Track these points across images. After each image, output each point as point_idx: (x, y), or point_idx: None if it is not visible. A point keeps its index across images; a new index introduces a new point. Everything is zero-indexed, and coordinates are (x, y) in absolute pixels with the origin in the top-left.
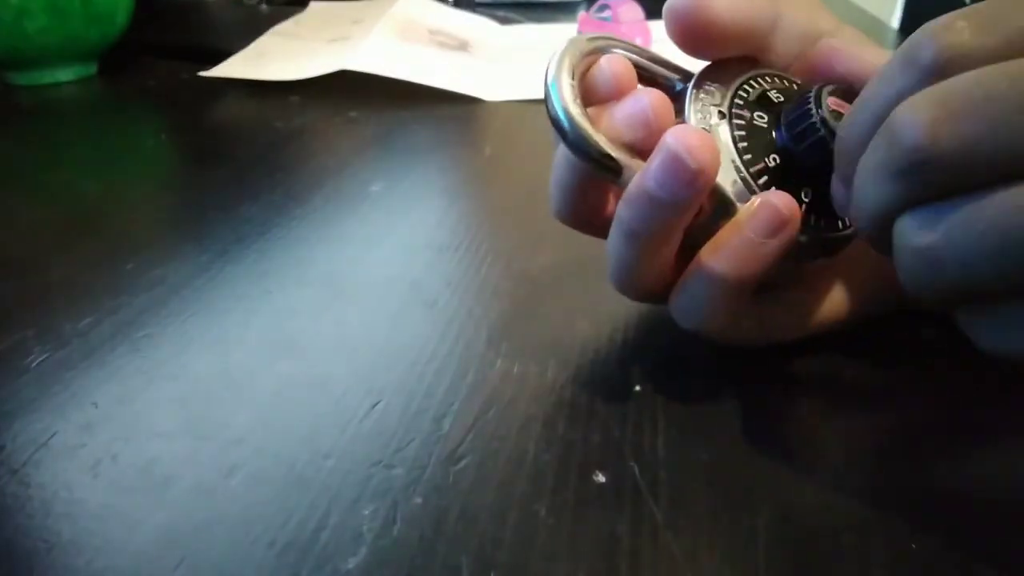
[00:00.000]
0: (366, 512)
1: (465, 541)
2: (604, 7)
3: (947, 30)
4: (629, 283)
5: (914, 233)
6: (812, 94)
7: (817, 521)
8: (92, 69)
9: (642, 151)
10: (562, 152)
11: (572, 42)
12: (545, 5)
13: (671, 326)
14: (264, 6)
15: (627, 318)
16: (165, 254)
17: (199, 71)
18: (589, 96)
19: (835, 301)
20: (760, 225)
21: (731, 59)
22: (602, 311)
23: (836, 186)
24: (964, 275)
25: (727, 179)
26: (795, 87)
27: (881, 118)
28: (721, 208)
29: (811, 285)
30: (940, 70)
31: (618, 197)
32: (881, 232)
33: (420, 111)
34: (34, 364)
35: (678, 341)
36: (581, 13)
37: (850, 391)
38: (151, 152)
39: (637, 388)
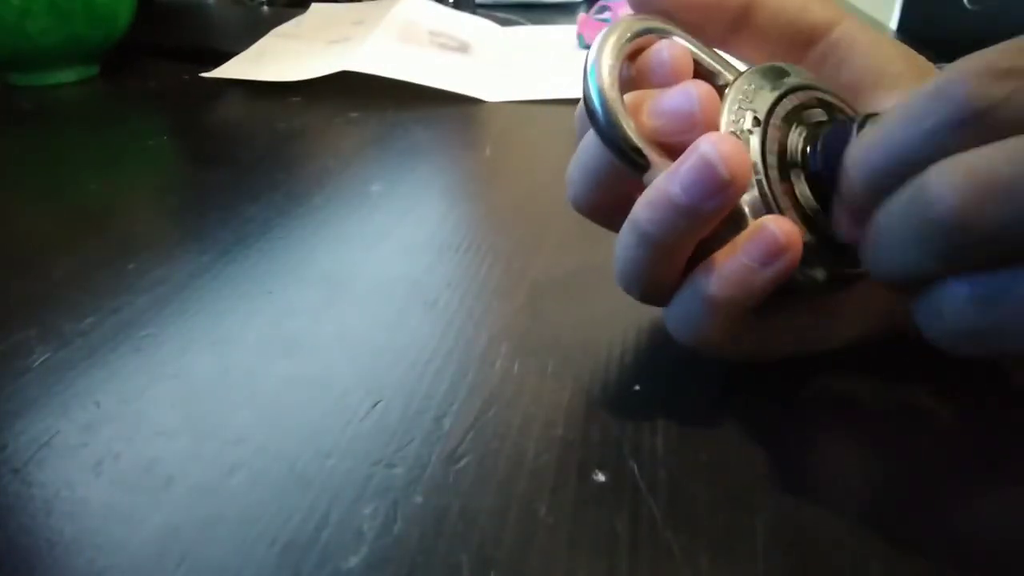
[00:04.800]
0: (367, 511)
1: (465, 540)
2: (604, 8)
3: (982, 77)
4: (635, 284)
5: (957, 309)
6: (856, 121)
7: (816, 521)
8: (94, 70)
9: (678, 149)
10: (590, 136)
11: (621, 21)
12: (545, 6)
13: None
14: (265, 7)
15: (627, 318)
16: (166, 254)
17: (200, 72)
18: (639, 79)
19: (843, 325)
20: (756, 251)
21: (784, 67)
22: (602, 311)
23: (842, 219)
24: (1003, 345)
25: (747, 193)
26: (846, 110)
27: (904, 163)
28: (734, 222)
29: (817, 308)
30: (975, 122)
31: (641, 193)
32: (903, 285)
33: (420, 112)
34: (36, 364)
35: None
36: (581, 14)
37: (850, 393)
38: (153, 152)
39: (637, 388)
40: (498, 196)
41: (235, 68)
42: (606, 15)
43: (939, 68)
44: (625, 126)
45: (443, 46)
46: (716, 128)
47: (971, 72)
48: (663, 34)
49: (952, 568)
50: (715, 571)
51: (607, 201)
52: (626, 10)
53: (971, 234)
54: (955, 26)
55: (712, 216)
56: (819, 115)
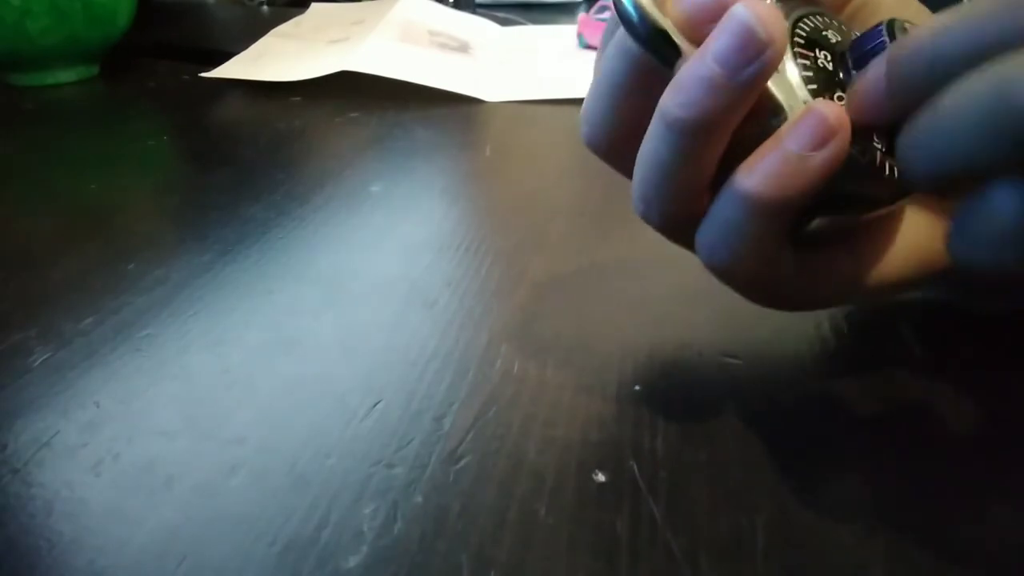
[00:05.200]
0: (367, 511)
1: (465, 540)
2: (604, 8)
3: None
4: (657, 199)
5: (1014, 209)
6: (884, 25)
7: (816, 521)
8: (94, 70)
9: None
10: (615, 48)
11: None
12: (545, 6)
13: (671, 326)
14: (265, 7)
15: (627, 318)
16: (166, 254)
17: (200, 72)
18: None
19: (880, 268)
20: (804, 136)
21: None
22: (602, 311)
23: (876, 85)
24: None
25: (780, 89)
26: (851, 32)
27: (981, 49)
28: (768, 118)
29: (852, 245)
30: None
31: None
32: (947, 183)
33: (420, 112)
34: (36, 363)
35: (678, 341)
36: (581, 14)
37: (851, 394)
38: (153, 152)
39: (637, 388)
40: (498, 196)
41: (235, 68)
42: (606, 15)
43: None
44: (658, 17)
45: (443, 46)
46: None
47: None
48: None
49: (952, 568)
50: (715, 571)
51: (629, 124)
52: None
53: None
54: None
55: (752, 87)
56: (835, 35)
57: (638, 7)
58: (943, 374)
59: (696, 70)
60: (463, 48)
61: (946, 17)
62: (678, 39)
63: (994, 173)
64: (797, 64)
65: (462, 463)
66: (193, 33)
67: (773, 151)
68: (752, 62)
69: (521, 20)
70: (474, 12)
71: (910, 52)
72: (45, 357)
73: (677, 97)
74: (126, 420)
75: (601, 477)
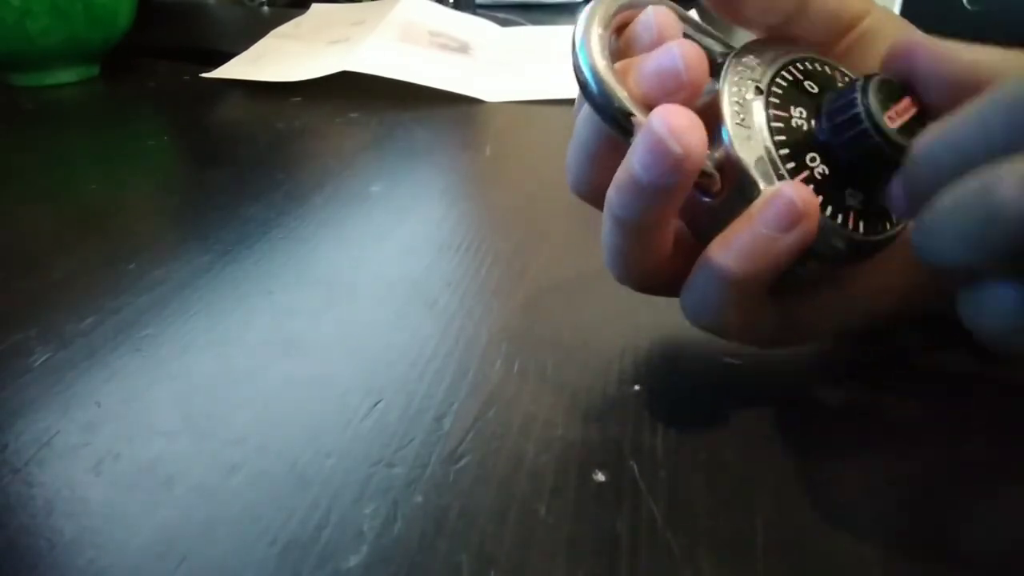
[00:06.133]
0: (367, 511)
1: (465, 539)
2: None
3: None
4: (624, 272)
5: (1005, 310)
6: (859, 83)
7: (816, 522)
8: (94, 70)
9: None
10: (585, 113)
11: None
12: (545, 7)
13: (671, 325)
14: (265, 8)
15: (627, 318)
16: (167, 254)
17: (201, 72)
18: (627, 48)
19: (869, 301)
20: (773, 218)
21: (778, 39)
22: (602, 311)
23: (898, 193)
24: None
25: (752, 157)
26: (845, 78)
27: (968, 160)
28: (739, 191)
29: (841, 284)
30: None
31: None
32: (950, 273)
33: (421, 112)
34: (36, 364)
35: (678, 341)
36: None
37: (851, 394)
38: (153, 153)
39: (636, 388)
40: (498, 196)
41: (235, 68)
42: None
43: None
44: (615, 91)
45: (443, 46)
46: (699, 88)
47: None
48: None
49: (952, 568)
50: (715, 571)
51: (607, 176)
52: None
53: None
54: (954, 26)
55: (676, 190)
56: (819, 83)
57: (599, 81)
58: (943, 375)
59: (627, 172)
60: (463, 48)
61: (946, 120)
62: (637, 113)
63: (991, 273)
64: (771, 128)
65: (462, 463)
66: (193, 34)
67: (745, 229)
68: (671, 173)
69: (521, 21)
70: (474, 13)
71: (920, 153)
72: (46, 357)
73: (616, 196)
74: (126, 420)
75: (601, 477)
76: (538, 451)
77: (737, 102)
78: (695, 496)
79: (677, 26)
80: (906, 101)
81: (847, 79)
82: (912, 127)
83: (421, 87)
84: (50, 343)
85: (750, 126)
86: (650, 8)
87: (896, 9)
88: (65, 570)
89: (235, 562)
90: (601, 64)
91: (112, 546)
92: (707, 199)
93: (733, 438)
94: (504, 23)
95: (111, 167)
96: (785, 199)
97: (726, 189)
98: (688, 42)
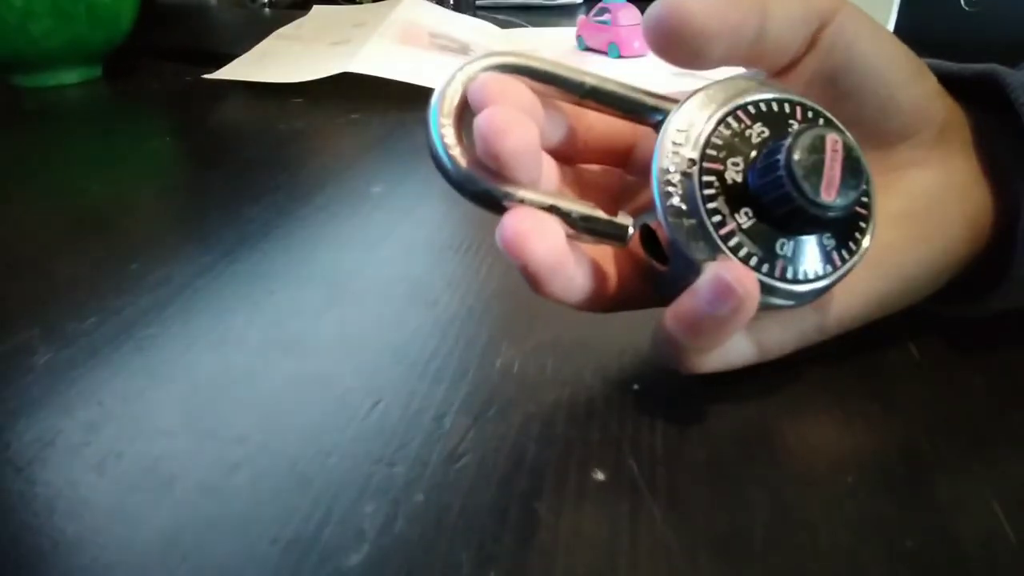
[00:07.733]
0: (368, 510)
1: (466, 538)
2: (603, 11)
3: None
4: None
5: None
6: (786, 142)
7: (816, 521)
8: (97, 71)
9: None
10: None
11: (462, 68)
12: (545, 9)
13: None
14: (267, 9)
15: (627, 318)
16: (169, 254)
17: (203, 74)
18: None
19: (835, 311)
20: (714, 299)
21: (724, 80)
22: None
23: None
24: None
25: (686, 236)
26: (799, 113)
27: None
28: (691, 268)
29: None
30: None
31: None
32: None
33: (421, 113)
34: (39, 363)
35: None
36: (580, 17)
37: (851, 394)
38: (155, 153)
39: (636, 387)
40: None
41: (237, 70)
42: (605, 17)
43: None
44: (461, 166)
45: (444, 48)
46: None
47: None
48: (525, 71)
49: (952, 568)
50: (715, 570)
51: None
52: (625, 12)
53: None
54: (953, 27)
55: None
56: (772, 125)
57: (458, 169)
58: (942, 373)
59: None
60: (464, 50)
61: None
62: (498, 190)
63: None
64: (703, 196)
65: (462, 462)
66: (196, 35)
67: (690, 304)
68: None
69: (521, 22)
70: (474, 14)
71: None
72: (48, 357)
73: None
74: (129, 419)
75: (600, 475)
76: (538, 450)
77: (667, 180)
78: (695, 495)
79: (513, 87)
80: (832, 142)
81: (792, 125)
82: (845, 173)
83: (422, 88)
84: (53, 343)
85: (683, 202)
86: (486, 74)
87: (894, 11)
88: (68, 569)
89: (236, 560)
90: (450, 142)
91: (114, 545)
92: (661, 267)
93: (732, 436)
94: (504, 25)
95: (113, 168)
96: (723, 283)
97: (674, 261)
98: (497, 108)
